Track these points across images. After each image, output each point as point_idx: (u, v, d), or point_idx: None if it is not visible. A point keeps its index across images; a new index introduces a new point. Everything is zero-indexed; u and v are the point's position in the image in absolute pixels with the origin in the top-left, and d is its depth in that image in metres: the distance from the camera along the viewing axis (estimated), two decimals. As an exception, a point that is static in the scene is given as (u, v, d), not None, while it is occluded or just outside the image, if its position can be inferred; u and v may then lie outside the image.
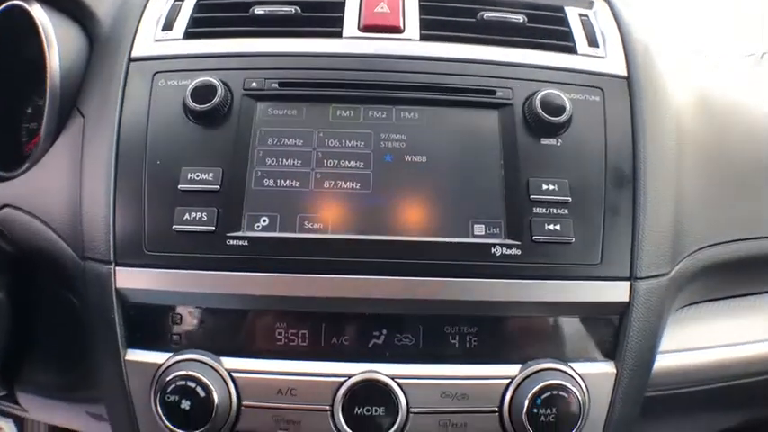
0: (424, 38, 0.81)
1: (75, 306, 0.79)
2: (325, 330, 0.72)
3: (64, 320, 0.83)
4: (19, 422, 1.33)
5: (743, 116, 0.88)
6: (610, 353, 0.74)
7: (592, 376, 0.72)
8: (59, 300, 0.82)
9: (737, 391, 0.85)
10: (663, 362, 0.78)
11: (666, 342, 0.79)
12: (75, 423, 0.98)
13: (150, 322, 0.73)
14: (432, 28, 0.81)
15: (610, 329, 0.74)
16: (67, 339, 0.85)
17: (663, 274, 0.74)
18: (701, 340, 0.83)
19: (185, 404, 0.68)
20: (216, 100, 0.73)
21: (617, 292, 0.73)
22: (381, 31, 0.81)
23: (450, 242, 0.71)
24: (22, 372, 0.88)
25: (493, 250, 0.71)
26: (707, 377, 0.83)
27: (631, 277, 0.73)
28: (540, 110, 0.74)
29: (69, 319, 0.81)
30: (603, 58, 0.81)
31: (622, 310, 0.73)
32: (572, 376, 0.71)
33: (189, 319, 0.73)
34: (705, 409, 0.88)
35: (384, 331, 0.72)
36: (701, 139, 0.82)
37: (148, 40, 0.81)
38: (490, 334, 0.73)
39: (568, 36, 0.83)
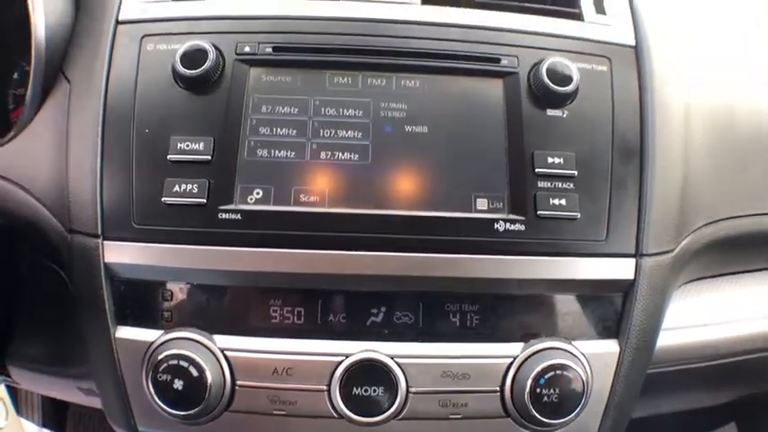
0: (425, 1, 0.74)
1: (63, 279, 0.73)
2: (322, 308, 0.67)
3: (51, 294, 0.78)
4: (12, 389, 1.29)
5: (752, 89, 0.82)
6: (613, 331, 0.70)
7: (595, 355, 0.68)
8: (46, 272, 0.77)
9: (734, 369, 0.81)
10: (663, 340, 0.74)
11: (667, 319, 0.74)
12: (67, 396, 0.94)
13: (140, 298, 0.68)
14: None
15: (613, 307, 0.70)
16: (56, 313, 0.80)
17: (668, 251, 0.70)
18: (700, 318, 0.80)
19: (178, 384, 0.64)
20: (207, 65, 0.67)
21: (622, 269, 0.68)
22: None
23: (452, 217, 0.66)
24: (11, 345, 0.83)
25: (496, 226, 0.66)
26: (706, 354, 0.79)
27: (637, 254, 0.68)
28: (546, 79, 0.68)
29: (57, 293, 0.76)
30: (611, 26, 0.75)
31: (627, 287, 0.69)
32: (575, 355, 0.67)
33: (180, 295, 0.67)
34: (702, 385, 0.85)
35: (383, 309, 0.67)
36: (708, 111, 0.76)
37: (136, 2, 0.74)
38: (492, 312, 0.68)
39: (575, 2, 0.77)
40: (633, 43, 0.74)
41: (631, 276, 0.68)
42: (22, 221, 0.72)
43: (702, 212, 0.74)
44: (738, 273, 0.84)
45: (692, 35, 0.84)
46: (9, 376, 0.88)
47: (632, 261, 0.68)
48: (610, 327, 0.70)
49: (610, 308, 0.70)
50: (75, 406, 1.36)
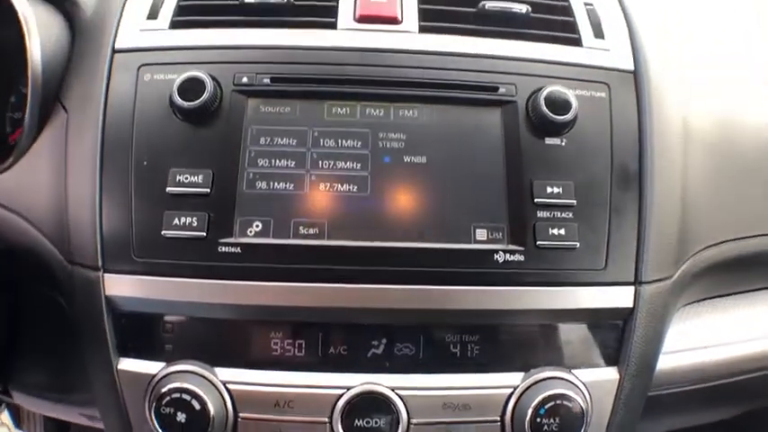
0: (423, 29, 0.73)
1: (64, 308, 0.73)
2: (323, 340, 0.67)
3: (53, 322, 0.78)
4: (14, 409, 1.29)
5: (750, 113, 0.81)
6: (613, 359, 0.70)
7: (595, 383, 0.68)
8: (47, 300, 0.77)
9: (735, 388, 0.81)
10: (663, 363, 0.74)
11: (666, 343, 0.74)
12: (70, 419, 0.94)
13: (142, 331, 0.68)
14: (431, 19, 0.74)
15: (613, 335, 0.70)
16: (57, 341, 0.80)
17: (667, 277, 0.70)
18: (700, 339, 0.79)
19: (181, 417, 0.64)
20: (204, 96, 0.66)
21: (621, 297, 0.68)
22: (378, 22, 0.73)
23: (452, 249, 0.65)
24: (13, 371, 0.83)
25: (496, 257, 0.65)
26: (706, 376, 0.79)
27: (636, 282, 0.68)
28: (544, 108, 0.67)
29: (58, 321, 0.76)
30: (609, 50, 0.74)
31: (626, 315, 0.69)
32: (575, 384, 0.66)
33: (181, 327, 0.67)
34: (702, 404, 0.85)
35: (383, 341, 0.67)
36: (707, 135, 0.76)
37: (133, 30, 0.73)
38: (492, 342, 0.68)
39: (573, 27, 0.76)
40: (632, 68, 0.73)
41: (630, 304, 0.68)
42: (22, 249, 0.71)
43: (703, 236, 0.73)
44: (739, 293, 0.84)
45: (692, 38, 0.83)
46: (11, 398, 0.88)
47: (631, 289, 0.68)
48: (609, 354, 0.70)
49: (609, 335, 0.70)
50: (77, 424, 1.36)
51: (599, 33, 0.76)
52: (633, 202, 0.69)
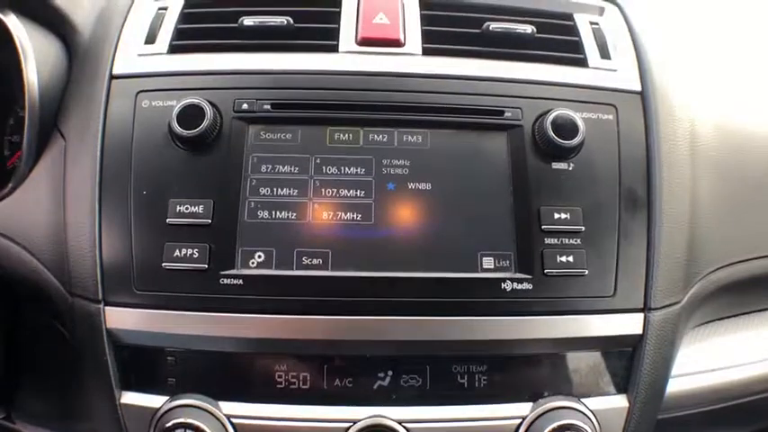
0: (426, 52, 0.72)
1: (66, 338, 0.72)
2: (328, 373, 0.66)
3: (55, 350, 0.77)
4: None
5: (759, 132, 0.80)
6: (622, 386, 0.69)
7: (604, 412, 0.67)
8: (50, 329, 0.75)
9: (745, 408, 0.80)
10: (673, 386, 0.73)
11: (676, 366, 0.73)
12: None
13: (145, 364, 0.67)
14: (434, 41, 0.72)
15: (622, 362, 0.68)
16: (60, 370, 0.79)
17: (676, 303, 0.68)
18: (710, 361, 0.78)
19: None
20: (204, 124, 0.65)
21: (630, 324, 0.67)
22: (380, 45, 0.72)
23: (459, 278, 0.64)
24: (16, 400, 0.82)
25: (503, 285, 0.64)
26: (717, 398, 0.78)
27: (645, 308, 0.67)
28: (551, 132, 0.66)
29: (61, 350, 0.74)
30: (616, 71, 0.73)
31: (635, 342, 0.67)
32: (584, 414, 0.65)
33: (185, 361, 0.66)
34: (713, 426, 0.83)
35: (390, 373, 0.66)
36: (715, 154, 0.75)
37: (131, 55, 0.72)
38: (499, 372, 0.67)
39: (579, 47, 0.74)
40: (639, 89, 0.72)
41: (640, 331, 0.67)
42: (22, 278, 0.70)
43: (712, 258, 0.72)
44: (747, 313, 0.83)
45: (698, 54, 0.82)
46: (14, 423, 0.87)
47: (640, 316, 0.67)
48: (619, 382, 0.69)
49: (618, 363, 0.68)
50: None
51: (605, 54, 0.74)
52: (641, 226, 0.67)
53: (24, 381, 0.82)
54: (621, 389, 0.68)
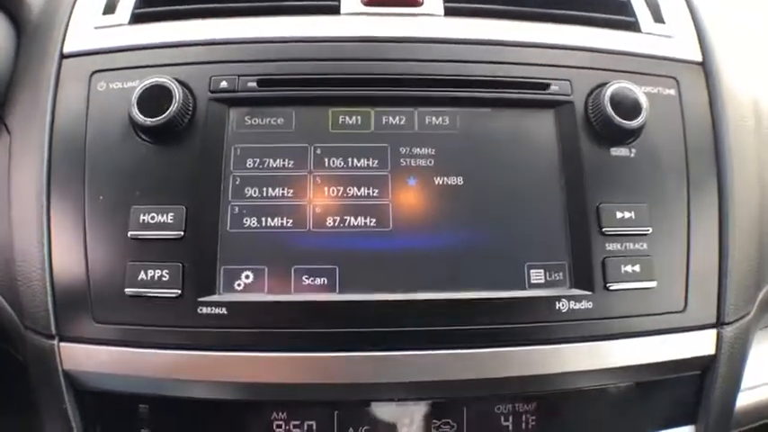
0: (449, 12, 0.60)
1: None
2: (339, 421, 0.54)
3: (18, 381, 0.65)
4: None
5: None
6: (690, 416, 0.60)
7: None
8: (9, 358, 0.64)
9: None
10: (740, 401, 0.63)
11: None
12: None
13: (112, 414, 0.56)
14: None
15: (690, 389, 0.60)
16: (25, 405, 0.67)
17: (746, 314, 0.59)
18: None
19: None
20: (171, 109, 0.53)
21: (702, 344, 0.57)
22: (393, 4, 0.61)
23: (502, 298, 0.52)
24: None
25: (558, 305, 0.52)
26: None
27: (718, 323, 0.57)
28: (610, 110, 0.55)
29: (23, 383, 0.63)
30: (672, 37, 0.63)
31: (706, 364, 0.58)
32: None
33: (159, 409, 0.54)
34: None
35: (417, 419, 0.54)
36: None
37: (86, 28, 0.60)
38: (551, 410, 0.56)
39: (629, 9, 0.63)
40: (700, 59, 0.62)
41: (712, 351, 0.57)
42: None
43: None
44: None
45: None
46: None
47: (713, 333, 0.57)
48: (686, 411, 0.59)
49: (685, 390, 0.59)
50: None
51: (658, 17, 0.65)
52: (713, 223, 0.58)
53: None
54: (690, 419, 0.59)
